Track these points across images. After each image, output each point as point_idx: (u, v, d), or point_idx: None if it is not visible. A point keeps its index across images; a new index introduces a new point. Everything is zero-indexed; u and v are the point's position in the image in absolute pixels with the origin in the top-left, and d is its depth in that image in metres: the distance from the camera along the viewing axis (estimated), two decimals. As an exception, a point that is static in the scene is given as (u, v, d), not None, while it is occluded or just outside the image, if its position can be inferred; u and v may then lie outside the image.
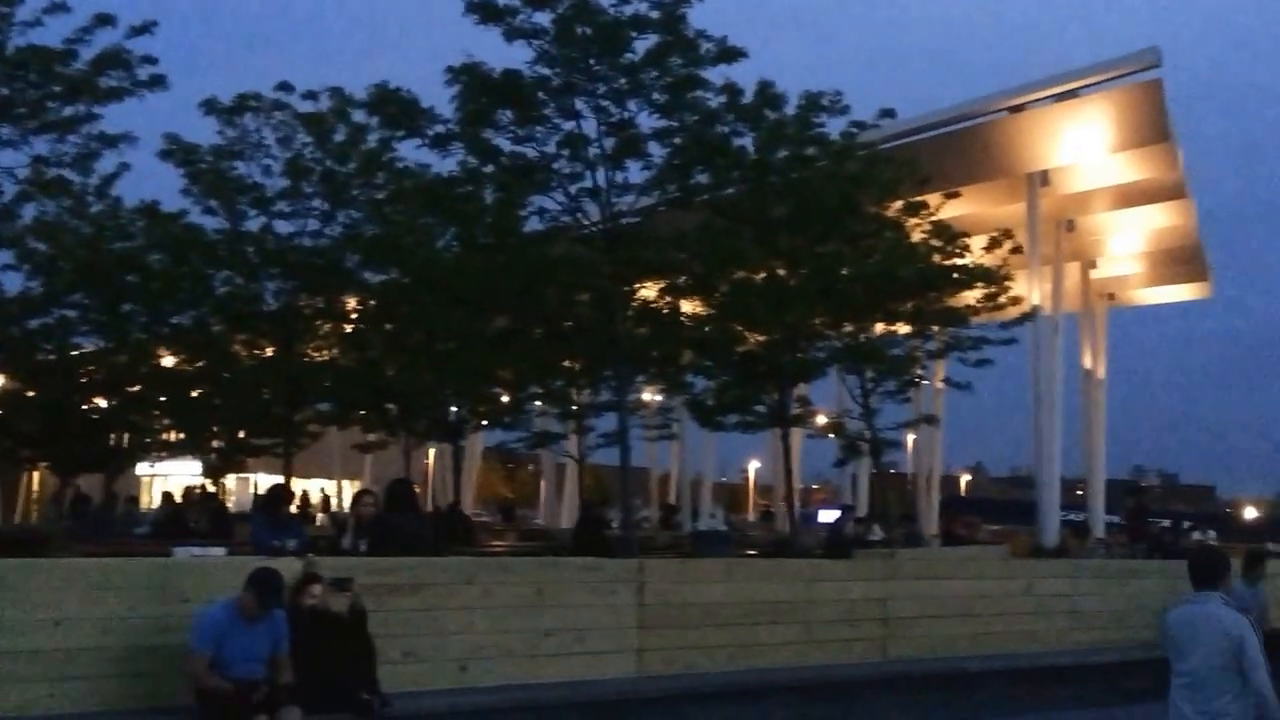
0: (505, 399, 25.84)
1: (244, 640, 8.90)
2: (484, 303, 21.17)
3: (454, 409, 25.12)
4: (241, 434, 26.87)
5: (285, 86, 22.84)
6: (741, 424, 23.95)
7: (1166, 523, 37.52)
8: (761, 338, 22.14)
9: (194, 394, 26.23)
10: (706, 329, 22.07)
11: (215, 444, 27.89)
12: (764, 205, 21.05)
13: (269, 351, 24.74)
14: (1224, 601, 7.83)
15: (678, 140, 19.04)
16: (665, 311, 21.86)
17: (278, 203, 23.17)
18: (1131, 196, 31.42)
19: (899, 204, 22.86)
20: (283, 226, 23.42)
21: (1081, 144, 29.40)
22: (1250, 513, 72.67)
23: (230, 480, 36.05)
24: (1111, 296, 38.61)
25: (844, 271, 22.05)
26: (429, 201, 21.24)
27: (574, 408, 26.18)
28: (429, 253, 22.33)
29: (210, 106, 22.83)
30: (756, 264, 21.80)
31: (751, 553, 23.39)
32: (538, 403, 27.79)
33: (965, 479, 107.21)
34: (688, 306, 22.65)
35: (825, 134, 21.46)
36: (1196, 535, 31.84)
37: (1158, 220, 33.05)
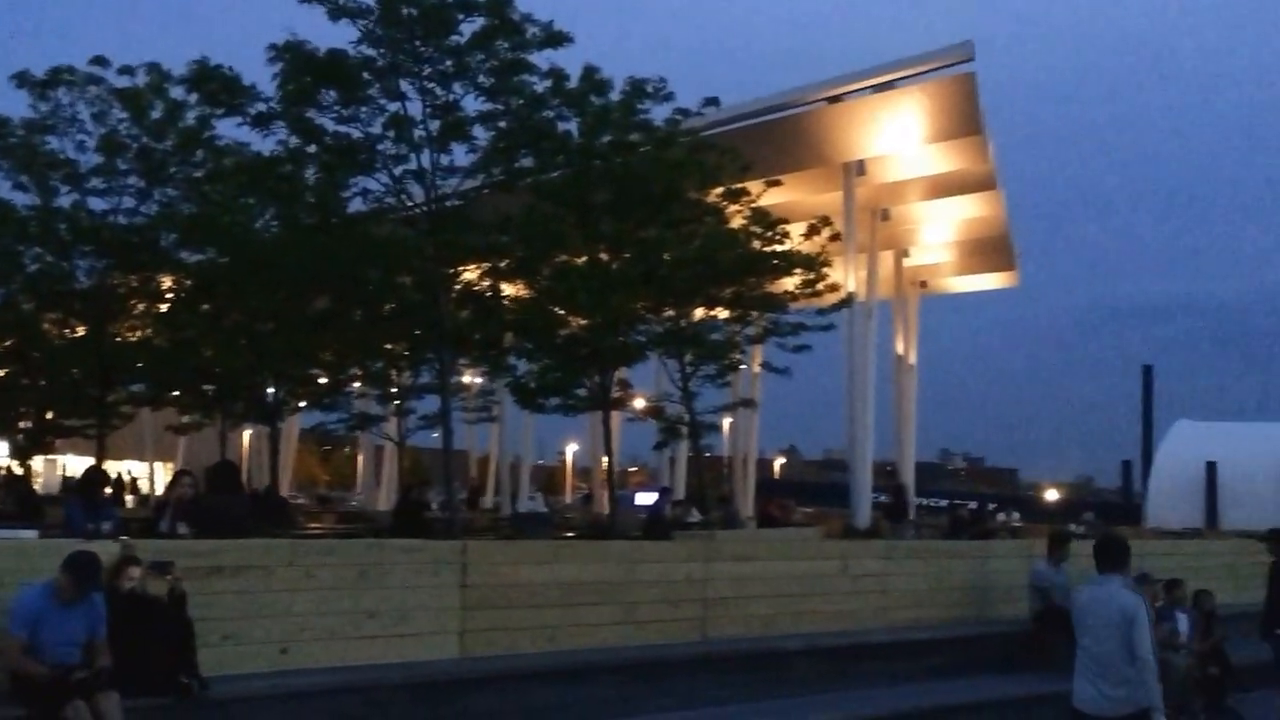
0: (325, 381, 25.56)
1: (60, 624, 8.69)
2: (305, 283, 20.92)
3: (272, 390, 24.76)
4: (50, 415, 26.14)
5: (100, 61, 22.25)
6: (562, 407, 24.11)
7: (972, 505, 38.87)
8: (583, 321, 22.30)
9: (1, 374, 25.44)
10: (529, 312, 22.14)
11: (23, 425, 27.06)
12: (587, 190, 21.22)
13: (80, 331, 24.10)
14: (1124, 584, 8.75)
15: (503, 124, 19.07)
16: (488, 294, 21.89)
17: (91, 179, 22.64)
18: (944, 187, 32.40)
19: (720, 191, 23.22)
20: (96, 203, 22.97)
21: (896, 135, 30.20)
22: (1051, 495, 75.45)
23: (37, 462, 34.95)
24: (924, 284, 39.73)
25: (666, 257, 22.33)
26: (249, 180, 20.90)
27: (394, 390, 26.02)
28: (248, 232, 21.96)
29: (22, 80, 22.16)
30: (579, 248, 21.96)
31: (571, 535, 23.58)
32: (358, 385, 27.54)
33: (780, 462, 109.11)
34: (510, 290, 22.71)
35: (649, 120, 21.69)
36: (1001, 517, 33.01)
37: (968, 210, 34.14)
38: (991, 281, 39.56)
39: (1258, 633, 15.00)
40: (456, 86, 18.50)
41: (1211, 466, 37.05)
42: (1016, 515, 35.31)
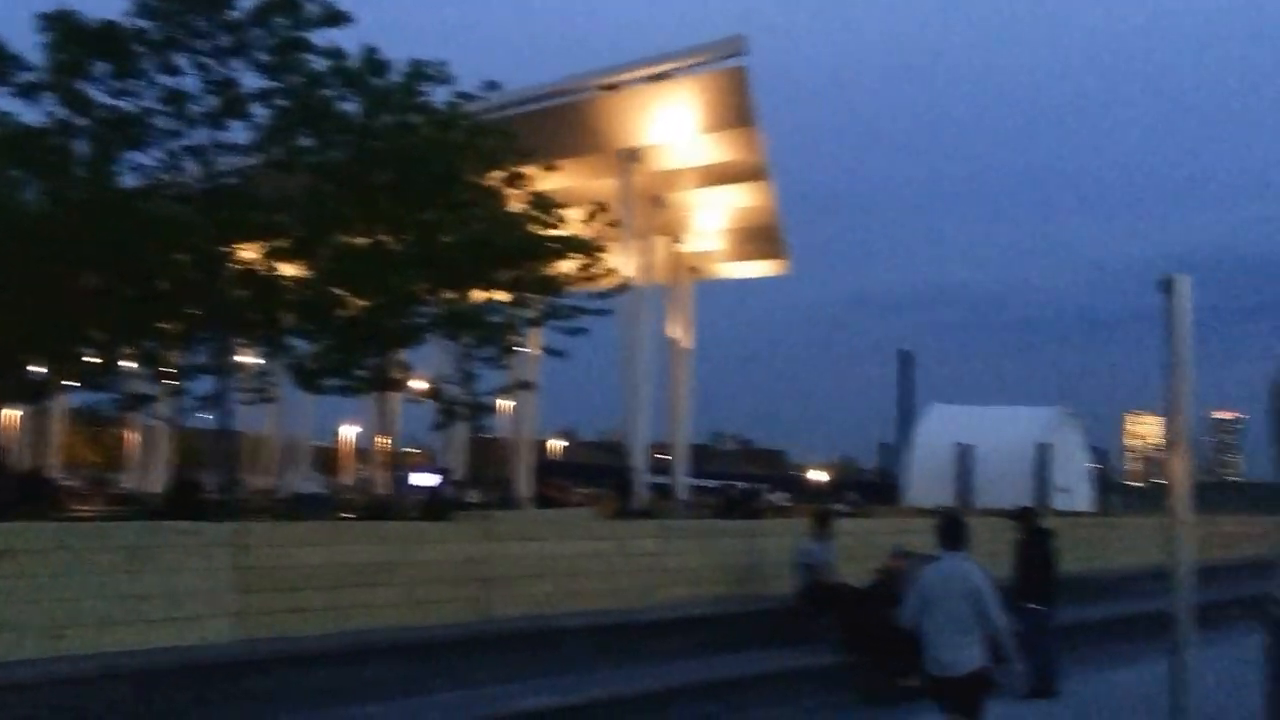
0: (95, 360, 24.80)
1: None
2: (74, 259, 20.31)
3: (38, 369, 23.93)
4: None
5: None
6: (341, 388, 23.94)
7: (743, 485, 39.85)
8: (363, 302, 22.19)
9: None
10: (308, 292, 21.93)
11: None
12: (368, 171, 21.10)
13: None
14: (967, 559, 9.87)
15: (282, 102, 18.85)
16: (266, 274, 21.59)
17: None
18: (716, 176, 33.17)
19: (500, 174, 23.35)
20: None
21: (671, 124, 30.81)
22: (817, 475, 77.74)
23: None
24: (697, 270, 40.54)
25: (445, 239, 22.37)
26: (14, 152, 20.16)
27: (169, 370, 25.42)
28: (13, 205, 21.18)
29: None
30: (359, 229, 21.83)
31: (349, 516, 23.46)
32: (130, 364, 26.78)
33: (558, 444, 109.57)
34: (289, 269, 22.43)
35: (430, 103, 21.69)
36: (769, 497, 33.99)
37: (740, 199, 35.00)
38: (762, 269, 40.59)
39: (1006, 606, 15.89)
40: (234, 63, 18.24)
41: (965, 448, 38.77)
42: (785, 495, 36.41)
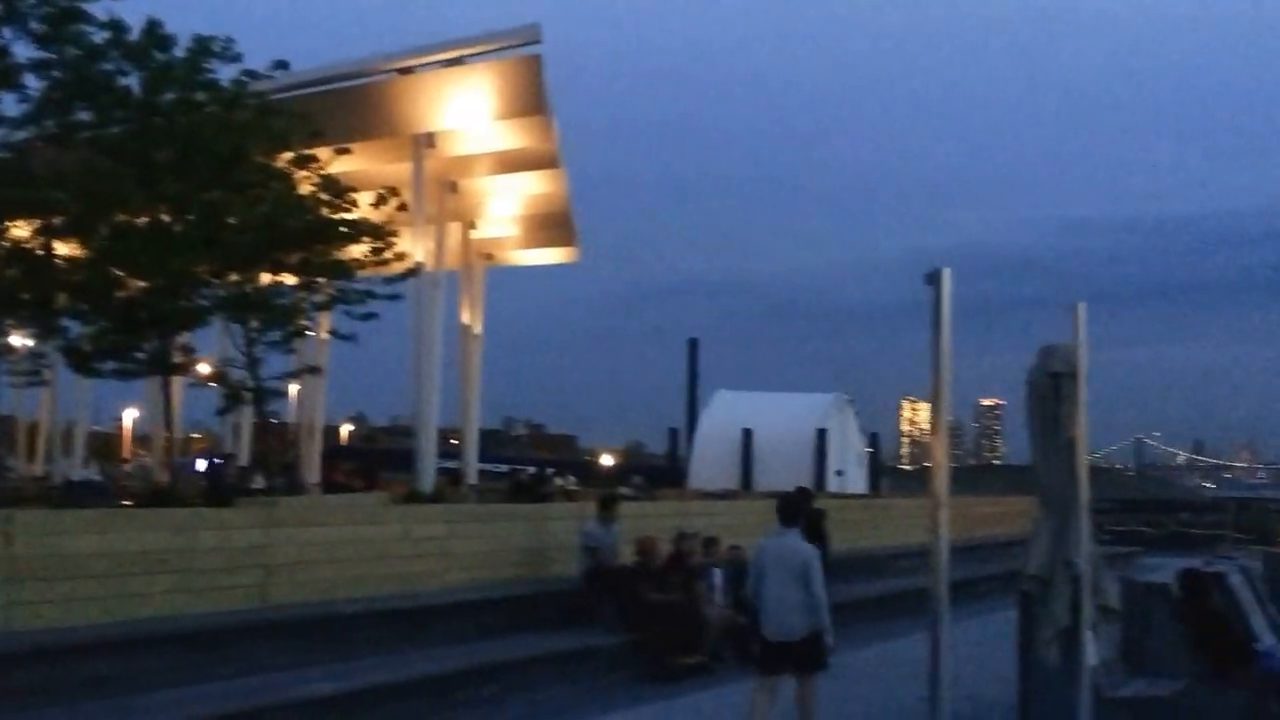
0: None
1: None
2: None
3: None
4: None
5: None
6: (120, 371, 23.31)
7: (532, 470, 40.05)
8: (143, 284, 21.64)
9: None
10: (85, 272, 21.28)
11: None
12: (149, 148, 20.58)
13: None
14: (800, 535, 11.21)
15: (57, 74, 18.30)
16: (39, 253, 20.88)
17: None
18: (510, 163, 33.19)
19: (289, 156, 23.02)
20: None
21: (465, 110, 30.73)
22: (607, 460, 78.40)
23: None
24: (490, 256, 40.47)
25: (231, 220, 21.96)
26: None
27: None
28: None
29: None
30: (139, 208, 21.25)
31: (128, 503, 22.88)
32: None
33: (348, 428, 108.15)
34: (64, 248, 21.73)
35: (216, 80, 21.27)
36: (558, 481, 34.25)
37: (533, 187, 35.09)
38: (554, 256, 40.72)
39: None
40: (5, 32, 17.62)
41: (748, 433, 39.71)
42: (572, 479, 36.70)
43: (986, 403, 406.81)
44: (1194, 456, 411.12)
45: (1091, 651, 10.52)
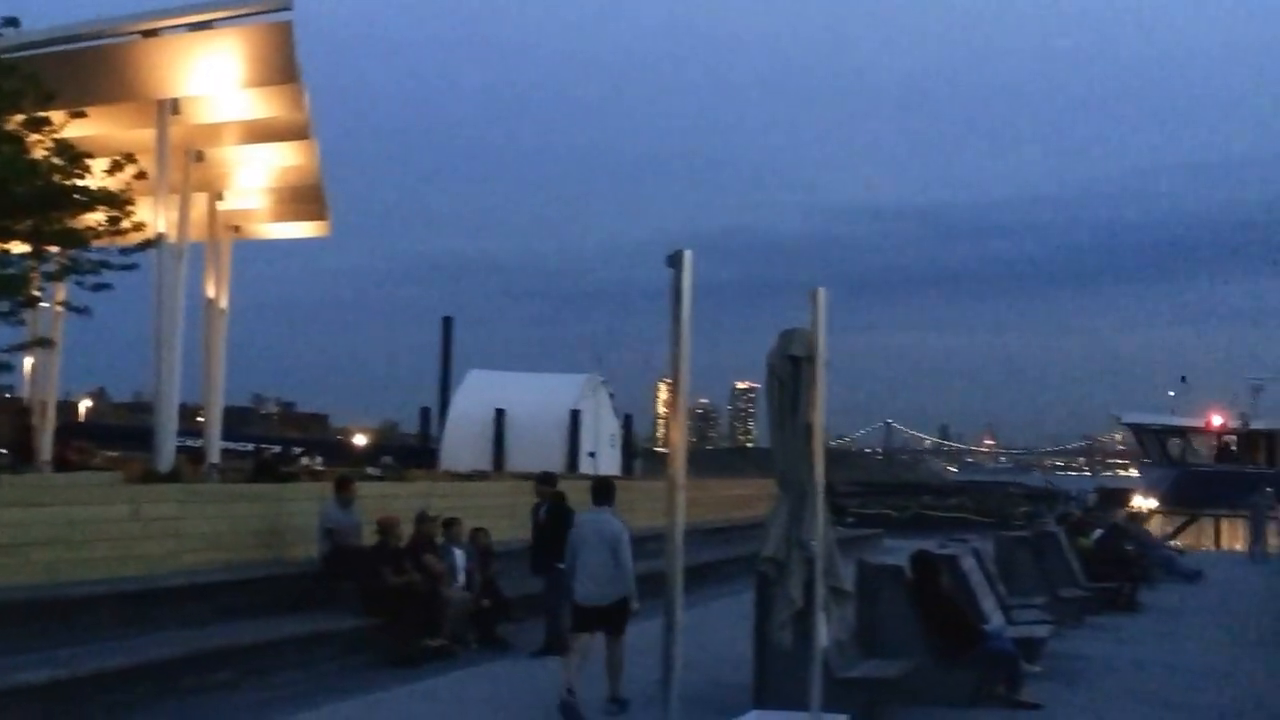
0: None
1: None
2: None
3: None
4: None
5: None
6: None
7: (277, 448, 39.11)
8: None
9: None
10: None
11: None
12: None
13: None
14: (612, 513, 12.80)
15: None
16: None
17: None
18: (259, 132, 32.13)
19: (20, 118, 21.85)
20: None
21: (212, 76, 29.62)
22: (360, 440, 77.19)
23: None
24: (237, 229, 39.20)
25: (-46, 183, 20.75)
26: None
27: None
28: None
29: None
30: None
31: None
32: None
33: (86, 404, 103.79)
34: None
35: (-61, 35, 20.05)
36: (304, 461, 33.55)
37: (283, 158, 34.11)
38: (304, 230, 39.58)
39: (530, 567, 16.41)
40: None
41: (500, 413, 39.61)
42: (320, 459, 35.97)
43: (742, 386, 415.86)
44: (939, 441, 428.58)
45: (824, 633, 10.79)
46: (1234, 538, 40.55)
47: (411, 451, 45.91)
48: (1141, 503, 43.71)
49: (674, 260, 8.38)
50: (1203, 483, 41.87)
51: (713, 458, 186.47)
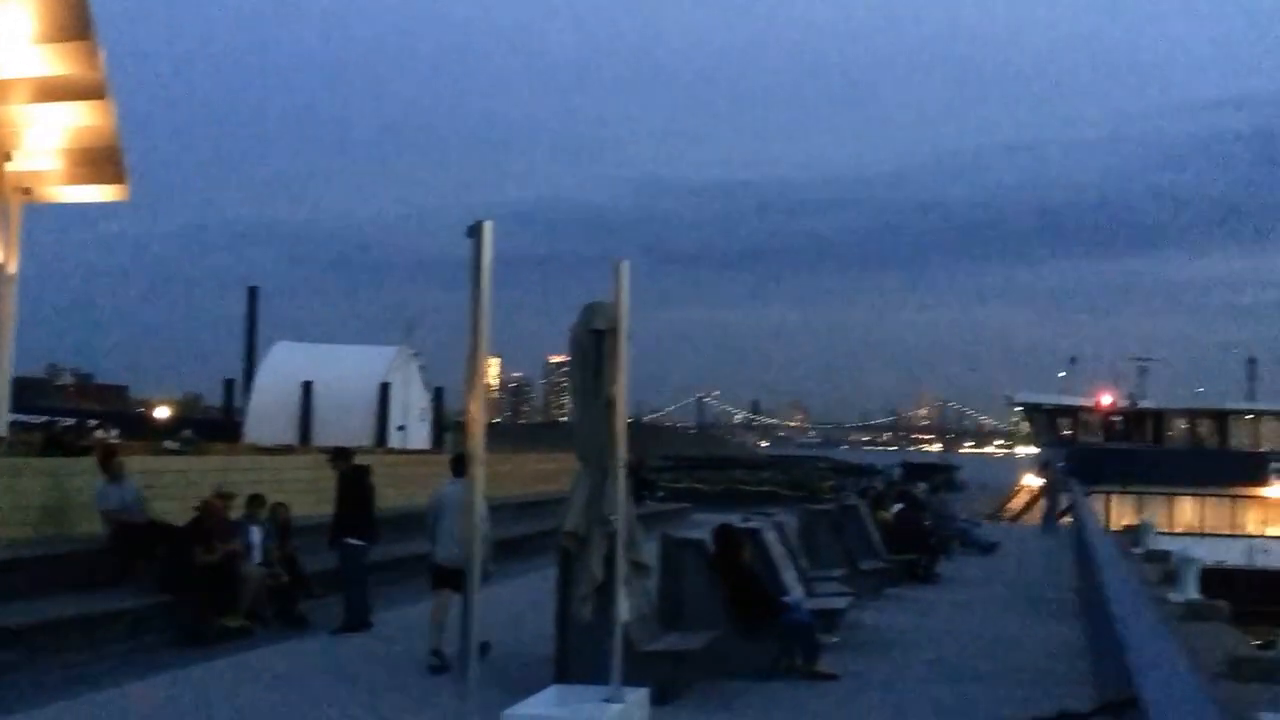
0: None
1: None
2: None
3: None
4: None
5: None
6: None
7: (68, 421, 37.73)
8: None
9: None
10: None
11: None
12: None
13: None
14: (466, 485, 12.06)
15: None
16: None
17: None
18: (51, 91, 30.82)
19: None
20: None
21: (1, 31, 28.33)
22: (162, 412, 74.98)
23: None
24: (28, 191, 37.58)
25: None
26: None
27: None
28: None
29: None
30: None
31: None
32: None
33: None
34: None
35: None
36: (100, 434, 32.35)
37: (77, 118, 32.77)
38: (101, 194, 38.19)
39: (327, 542, 16.06)
40: None
41: (307, 386, 38.76)
42: (115, 432, 34.74)
43: (556, 359, 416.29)
44: (751, 416, 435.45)
45: (625, 606, 10.76)
46: (1123, 513, 42.09)
47: (214, 425, 44.67)
48: (1033, 481, 45.12)
49: (474, 231, 8.20)
50: (1093, 460, 43.25)
51: (526, 431, 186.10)
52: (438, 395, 42.86)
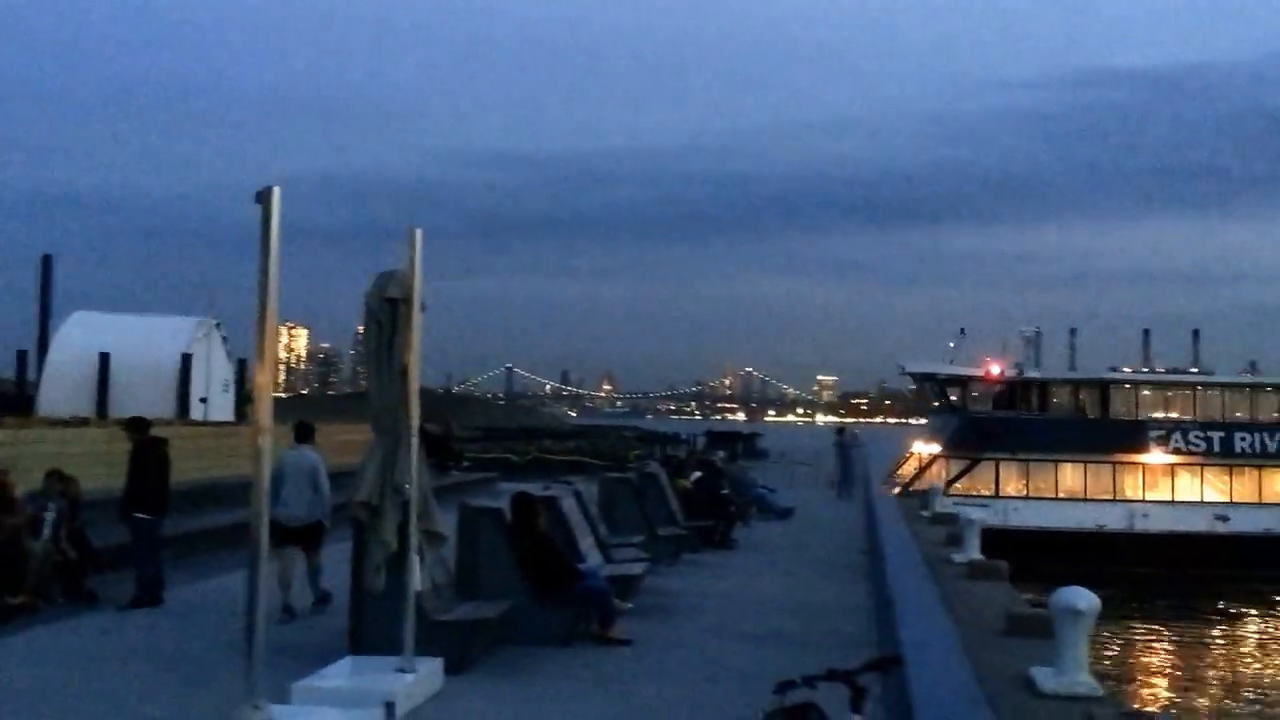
0: None
1: None
2: None
3: None
4: None
5: None
6: None
7: None
8: None
9: None
10: None
11: None
12: None
13: None
14: (312, 449, 15.22)
15: None
16: None
17: None
18: None
19: None
20: None
21: None
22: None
23: None
24: None
25: None
26: None
27: None
28: None
29: None
30: None
31: None
32: None
33: None
34: None
35: None
36: None
37: None
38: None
39: (118, 516, 15.69)
40: None
41: (105, 357, 37.60)
42: None
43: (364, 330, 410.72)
44: (560, 386, 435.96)
45: (419, 576, 10.86)
46: (1008, 480, 43.20)
47: (5, 398, 43.04)
48: (925, 448, 45.97)
49: (262, 197, 8.17)
50: (982, 428, 44.28)
51: (334, 403, 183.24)
52: (241, 367, 41.98)
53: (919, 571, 16.60)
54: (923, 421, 52.95)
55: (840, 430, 44.68)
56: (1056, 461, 43.22)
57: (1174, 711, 22.09)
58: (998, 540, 36.94)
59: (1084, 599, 9.58)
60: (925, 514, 28.99)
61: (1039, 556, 34.75)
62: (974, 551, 19.13)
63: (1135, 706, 18.61)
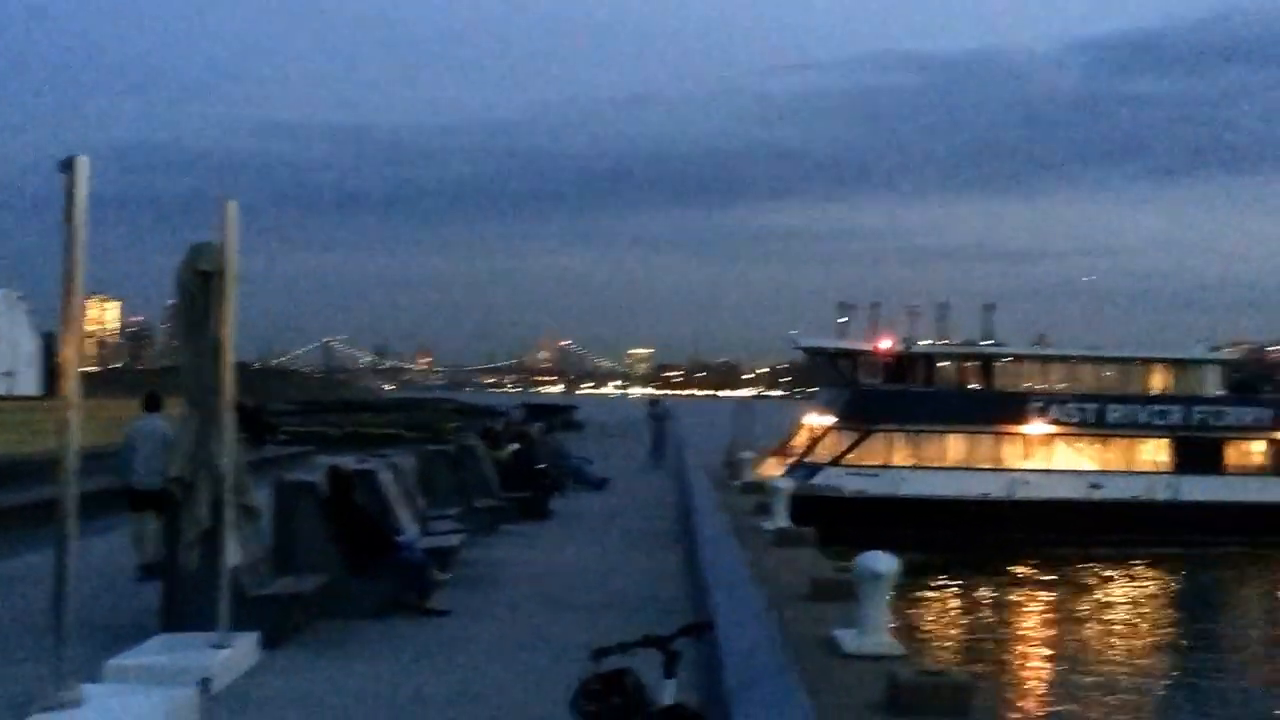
0: None
1: None
2: None
3: None
4: None
5: None
6: None
7: None
8: None
9: None
10: None
11: None
12: None
13: None
14: (162, 418, 15.37)
15: None
16: None
17: None
18: None
19: None
20: None
21: None
22: None
23: None
24: None
25: None
26: None
27: None
28: None
29: None
30: None
31: None
32: None
33: None
34: None
35: None
36: None
37: None
38: None
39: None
40: None
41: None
42: None
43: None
44: (377, 359, 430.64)
45: (233, 551, 10.80)
46: (900, 450, 43.66)
47: None
48: (817, 420, 46.15)
49: (66, 166, 8.05)
50: (872, 401, 44.62)
51: (146, 377, 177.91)
52: (49, 340, 40.74)
53: (729, 540, 17.03)
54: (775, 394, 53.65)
55: (653, 402, 45.21)
56: (944, 433, 44.25)
57: (976, 669, 22.92)
58: (886, 509, 38.08)
59: (883, 562, 10.01)
60: (735, 484, 29.59)
61: (927, 525, 36.09)
62: (782, 520, 19.67)
63: (936, 665, 19.31)
